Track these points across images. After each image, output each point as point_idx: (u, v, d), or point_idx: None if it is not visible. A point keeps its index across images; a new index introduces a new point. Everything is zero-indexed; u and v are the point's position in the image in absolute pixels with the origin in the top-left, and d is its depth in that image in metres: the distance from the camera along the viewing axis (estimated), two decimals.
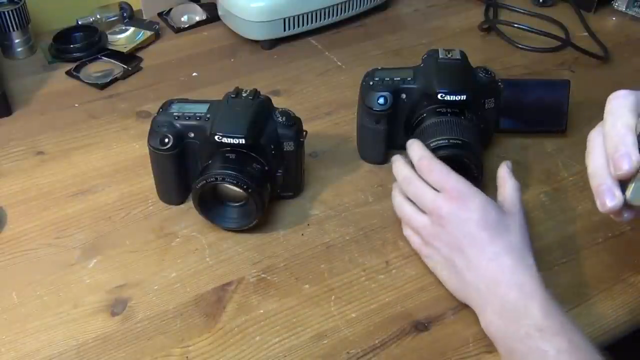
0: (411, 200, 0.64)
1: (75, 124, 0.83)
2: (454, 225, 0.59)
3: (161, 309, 0.61)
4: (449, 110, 0.70)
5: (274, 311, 0.61)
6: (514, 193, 0.62)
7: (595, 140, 0.50)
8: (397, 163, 0.66)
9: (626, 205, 0.44)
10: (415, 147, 0.66)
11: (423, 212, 0.62)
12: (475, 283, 0.57)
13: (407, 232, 0.65)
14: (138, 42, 0.96)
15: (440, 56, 0.72)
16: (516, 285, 0.54)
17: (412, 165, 0.65)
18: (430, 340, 0.59)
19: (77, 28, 0.97)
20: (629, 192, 0.43)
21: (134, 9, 1.02)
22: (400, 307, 0.61)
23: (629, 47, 0.99)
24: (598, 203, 0.44)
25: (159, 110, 0.68)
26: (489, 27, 1.02)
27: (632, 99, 0.46)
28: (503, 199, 0.62)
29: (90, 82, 0.90)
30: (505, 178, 0.64)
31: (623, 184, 0.43)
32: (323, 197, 0.73)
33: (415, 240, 0.64)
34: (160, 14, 1.04)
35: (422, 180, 0.62)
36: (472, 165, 0.67)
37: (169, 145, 0.66)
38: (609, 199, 0.44)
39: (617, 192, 0.44)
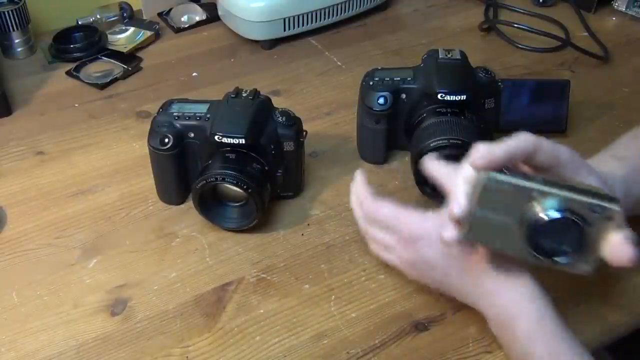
0: None
1: (75, 124, 0.83)
2: (425, 264, 0.57)
3: (161, 309, 0.61)
4: (448, 110, 0.70)
5: (274, 311, 0.61)
6: None
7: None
8: (353, 201, 0.63)
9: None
10: (355, 186, 0.62)
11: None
12: (469, 296, 0.56)
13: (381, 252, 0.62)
14: (138, 42, 0.96)
15: (440, 56, 0.72)
16: (507, 301, 0.53)
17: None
18: (430, 340, 0.59)
19: (77, 28, 0.97)
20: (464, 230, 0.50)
21: (134, 9, 1.02)
22: (400, 307, 0.61)
23: (629, 47, 0.99)
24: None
25: (159, 110, 0.68)
26: (489, 27, 1.02)
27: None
28: None
29: (90, 82, 0.90)
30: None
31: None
32: (323, 197, 0.73)
33: (393, 259, 0.60)
34: (160, 14, 1.04)
35: (375, 224, 0.60)
36: None
37: (169, 145, 0.66)
38: (446, 233, 0.51)
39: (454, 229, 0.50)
